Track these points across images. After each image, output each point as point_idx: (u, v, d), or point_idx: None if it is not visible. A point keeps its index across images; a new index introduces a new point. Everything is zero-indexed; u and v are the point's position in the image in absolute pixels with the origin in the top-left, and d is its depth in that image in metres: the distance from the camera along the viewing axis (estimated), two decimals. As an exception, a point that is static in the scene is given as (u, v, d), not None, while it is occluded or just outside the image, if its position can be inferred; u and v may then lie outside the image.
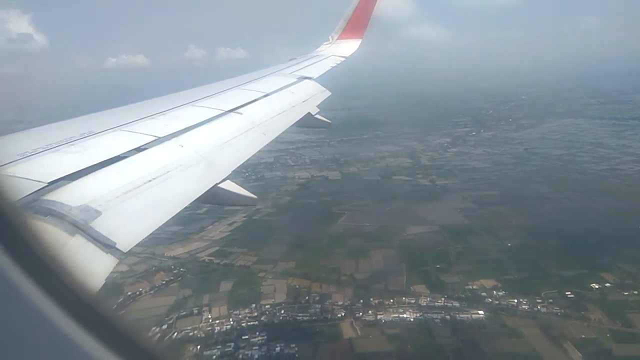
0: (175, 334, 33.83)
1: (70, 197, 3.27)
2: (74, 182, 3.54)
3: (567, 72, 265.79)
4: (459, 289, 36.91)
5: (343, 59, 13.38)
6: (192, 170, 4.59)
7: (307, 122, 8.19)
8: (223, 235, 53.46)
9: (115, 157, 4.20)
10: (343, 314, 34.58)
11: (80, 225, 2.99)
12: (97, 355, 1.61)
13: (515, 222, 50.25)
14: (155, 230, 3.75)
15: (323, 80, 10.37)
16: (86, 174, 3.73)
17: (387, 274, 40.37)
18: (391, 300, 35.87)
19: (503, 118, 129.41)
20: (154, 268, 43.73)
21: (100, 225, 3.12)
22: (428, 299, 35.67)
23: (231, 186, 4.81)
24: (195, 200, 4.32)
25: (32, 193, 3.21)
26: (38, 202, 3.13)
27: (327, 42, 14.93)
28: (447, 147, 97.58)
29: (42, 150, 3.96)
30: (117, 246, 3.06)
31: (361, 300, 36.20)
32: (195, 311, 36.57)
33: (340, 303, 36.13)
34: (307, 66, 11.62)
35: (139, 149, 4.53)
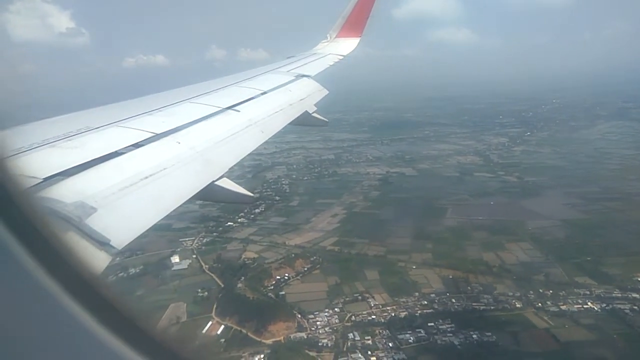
0: (353, 317, 33.16)
1: (66, 193, 3.18)
2: (70, 178, 3.43)
3: (587, 76, 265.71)
4: (627, 281, 36.03)
5: (341, 57, 13.17)
6: (189, 167, 4.51)
7: (304, 121, 8.08)
8: (333, 226, 52.69)
9: (112, 153, 4.11)
10: (520, 305, 33.74)
11: (75, 222, 2.90)
12: (102, 338, 1.62)
13: (638, 216, 49.35)
14: (153, 226, 3.59)
15: (321, 78, 10.30)
16: (82, 170, 3.62)
17: (539, 266, 39.58)
18: (563, 292, 35.03)
19: (548, 120, 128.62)
20: (293, 255, 43.05)
21: (95, 222, 3.03)
22: (601, 290, 34.83)
23: (228, 184, 4.68)
24: (191, 197, 4.22)
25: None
26: None
27: (325, 40, 14.67)
28: (509, 146, 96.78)
29: (38, 145, 3.87)
30: (111, 243, 2.98)
31: (531, 292, 35.33)
32: (358, 297, 35.98)
33: (510, 294, 35.32)
34: (305, 64, 11.46)
35: (136, 145, 4.45)
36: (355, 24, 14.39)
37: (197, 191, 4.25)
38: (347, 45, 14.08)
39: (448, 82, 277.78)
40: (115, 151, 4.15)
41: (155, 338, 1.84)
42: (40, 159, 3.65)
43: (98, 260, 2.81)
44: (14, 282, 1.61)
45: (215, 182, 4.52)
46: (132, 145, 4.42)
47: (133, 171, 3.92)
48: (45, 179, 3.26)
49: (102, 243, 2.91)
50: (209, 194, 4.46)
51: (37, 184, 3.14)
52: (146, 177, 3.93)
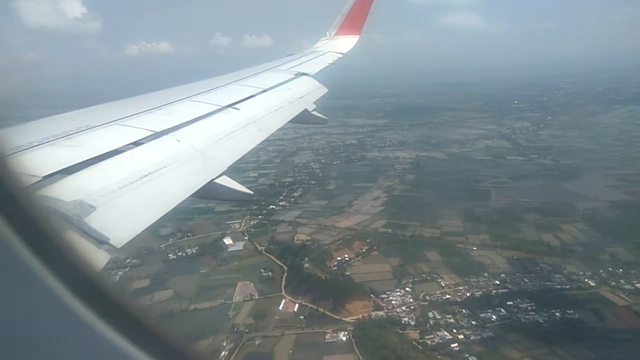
0: (427, 297, 33.24)
1: (65, 191, 3.18)
2: (69, 177, 3.42)
3: (594, 62, 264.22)
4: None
5: (340, 55, 13.19)
6: (188, 166, 4.55)
7: (303, 119, 8.18)
8: (378, 209, 52.27)
9: (111, 151, 4.11)
10: (594, 283, 33.64)
11: (74, 220, 2.89)
12: (103, 335, 1.63)
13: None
14: (153, 224, 3.56)
15: (320, 76, 10.39)
16: (82, 168, 3.62)
17: (601, 246, 39.44)
18: (633, 270, 34.93)
19: (564, 104, 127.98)
20: (350, 237, 42.72)
21: (95, 221, 3.01)
22: (675, 269, 34.73)
23: (227, 182, 4.69)
24: (191, 195, 4.21)
25: None
26: None
27: (325, 38, 14.69)
28: (534, 130, 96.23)
29: (38, 143, 3.88)
30: (110, 242, 2.96)
31: (601, 271, 35.18)
32: (427, 277, 35.88)
33: (580, 273, 35.21)
34: (304, 62, 11.53)
35: (135, 144, 4.47)
36: (354, 21, 14.35)
37: (196, 189, 4.25)
38: (347, 42, 14.07)
39: (455, 68, 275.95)
40: (115, 149, 4.13)
41: (156, 334, 1.84)
42: (40, 157, 3.65)
43: (97, 259, 2.80)
44: (14, 279, 1.60)
45: (215, 180, 4.52)
46: (132, 143, 4.40)
47: (132, 169, 3.91)
48: (45, 177, 3.25)
49: (101, 241, 2.89)
50: (209, 192, 4.47)
51: (36, 182, 3.11)
52: (146, 176, 3.92)
